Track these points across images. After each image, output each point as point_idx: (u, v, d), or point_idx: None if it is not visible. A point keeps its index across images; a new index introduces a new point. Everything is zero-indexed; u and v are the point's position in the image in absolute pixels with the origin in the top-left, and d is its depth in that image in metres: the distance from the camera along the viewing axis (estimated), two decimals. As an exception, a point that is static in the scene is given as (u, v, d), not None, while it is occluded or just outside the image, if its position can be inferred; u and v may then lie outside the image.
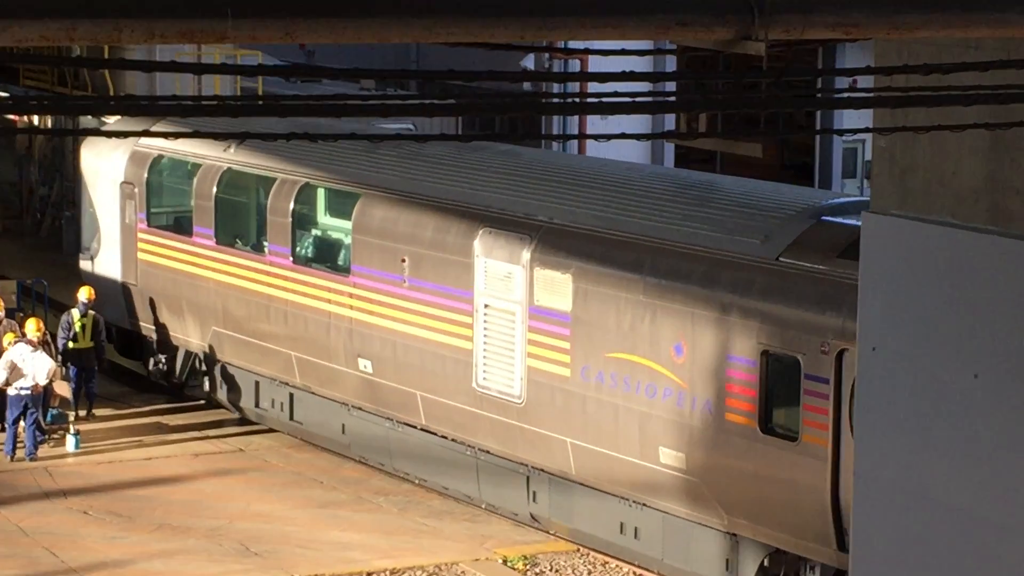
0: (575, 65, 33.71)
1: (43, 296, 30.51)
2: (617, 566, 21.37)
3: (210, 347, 27.26)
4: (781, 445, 19.34)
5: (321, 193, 26.03)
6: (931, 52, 12.03)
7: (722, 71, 31.37)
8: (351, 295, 24.66)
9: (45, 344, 25.83)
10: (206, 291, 27.25)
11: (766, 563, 19.89)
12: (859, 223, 19.16)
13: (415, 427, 24.09)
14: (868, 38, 9.34)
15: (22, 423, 25.13)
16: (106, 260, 29.43)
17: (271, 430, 26.72)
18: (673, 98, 12.36)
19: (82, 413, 27.11)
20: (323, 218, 26.06)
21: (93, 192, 29.90)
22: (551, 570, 21.17)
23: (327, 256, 25.68)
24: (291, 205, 25.72)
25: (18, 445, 25.19)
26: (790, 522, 19.37)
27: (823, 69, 37.46)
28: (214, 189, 27.12)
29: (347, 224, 24.93)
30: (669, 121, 37.48)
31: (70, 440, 25.76)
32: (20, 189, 44.62)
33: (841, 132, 36.68)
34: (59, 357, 26.56)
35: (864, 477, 14.29)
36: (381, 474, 24.65)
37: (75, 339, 27.21)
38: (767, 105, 8.36)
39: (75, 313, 27.35)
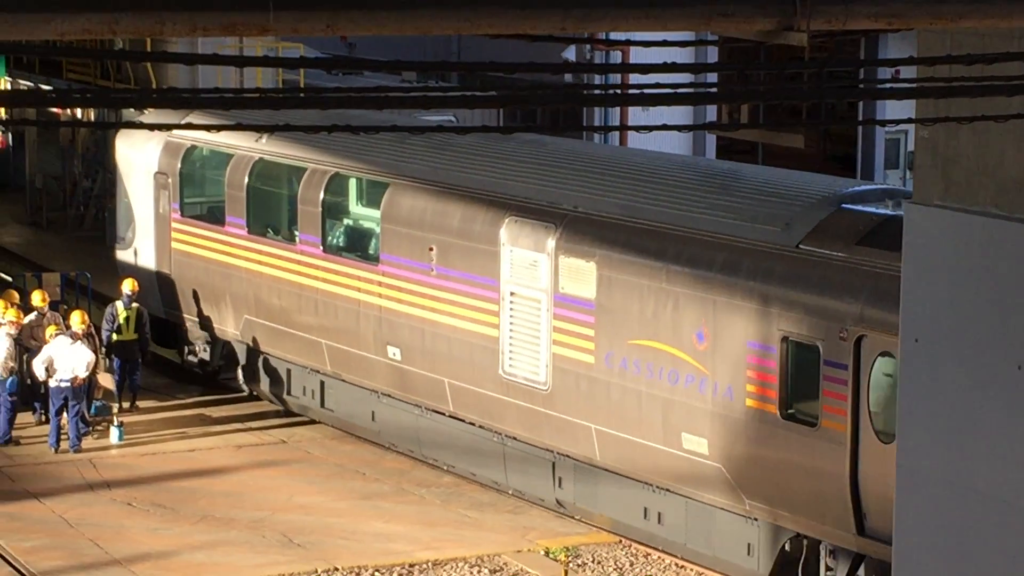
0: (616, 56, 33.69)
1: (87, 288, 30.62)
2: (659, 558, 21.37)
3: (243, 335, 27.48)
4: (801, 431, 19.51)
5: (351, 183, 26.25)
6: (974, 42, 12.00)
7: (764, 62, 31.31)
8: (380, 283, 24.86)
9: (89, 336, 25.88)
10: (238, 280, 27.51)
11: (787, 547, 20.08)
12: (879, 210, 19.73)
13: (443, 414, 24.29)
14: (910, 28, 9.32)
15: (65, 415, 25.26)
16: (141, 249, 29.72)
17: (313, 421, 26.79)
18: (715, 89, 12.33)
19: (126, 405, 27.19)
20: (353, 207, 26.29)
21: (128, 183, 30.17)
22: (593, 561, 21.17)
23: (357, 245, 25.93)
24: (321, 195, 25.95)
25: (62, 437, 25.31)
26: (810, 507, 19.53)
27: (865, 60, 37.34)
28: (246, 179, 27.31)
29: (376, 213, 25.09)
30: (711, 112, 37.52)
31: (114, 432, 25.86)
32: (64, 182, 44.85)
33: (884, 123, 36.53)
34: (103, 349, 26.67)
35: (906, 469, 14.26)
36: (423, 466, 24.69)
37: (119, 331, 27.33)
38: (809, 96, 8.35)
39: (119, 305, 27.47)
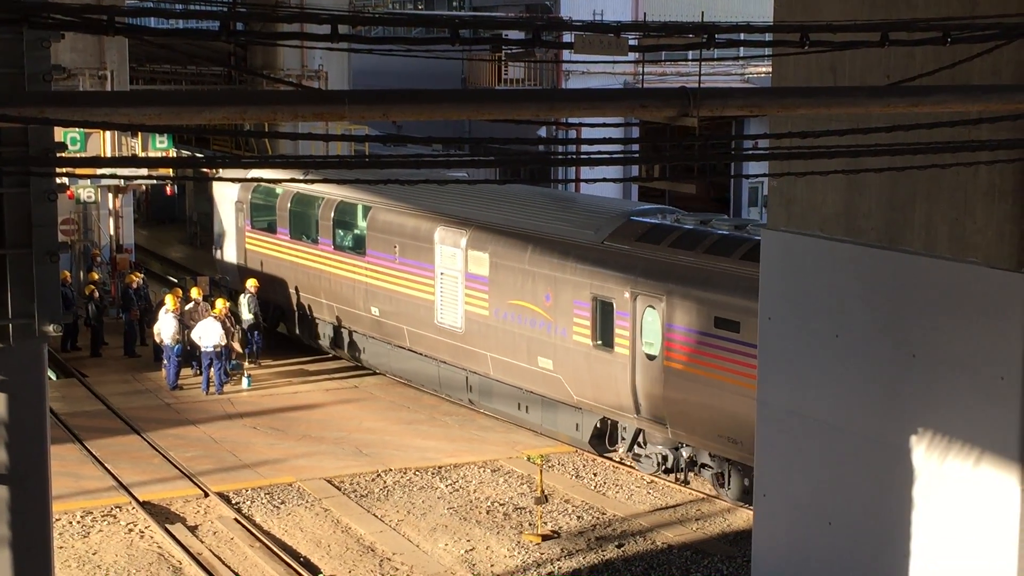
0: (573, 133, 33.66)
1: (226, 286, 30.58)
2: (601, 461, 21.35)
3: (288, 301, 28.48)
4: (604, 354, 20.43)
5: (350, 206, 26.86)
6: (806, 123, 12.02)
7: (669, 137, 31.28)
8: (367, 268, 25.81)
9: (228, 318, 25.94)
10: (285, 267, 28.52)
11: (598, 425, 21.26)
12: (651, 220, 21.22)
13: (404, 348, 25.23)
14: (765, 114, 9.32)
15: (212, 370, 25.25)
16: (228, 250, 30.81)
17: (375, 372, 26.78)
18: (637, 154, 12.36)
19: (252, 364, 27.19)
20: (351, 221, 26.85)
21: (220, 208, 31.39)
22: (559, 464, 21.18)
23: (353, 245, 26.61)
24: (332, 214, 27.00)
25: (211, 384, 25.30)
26: (610, 399, 20.49)
27: (736, 135, 37.32)
28: (288, 204, 28.39)
29: (364, 225, 26.03)
30: (635, 170, 37.46)
31: (244, 381, 25.84)
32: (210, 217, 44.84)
33: (748, 176, 36.52)
34: (237, 326, 26.67)
35: (764, 404, 14.28)
36: (447, 403, 24.67)
37: (245, 314, 27.35)
38: (698, 158, 8.35)
39: (245, 296, 27.50)
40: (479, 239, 22.90)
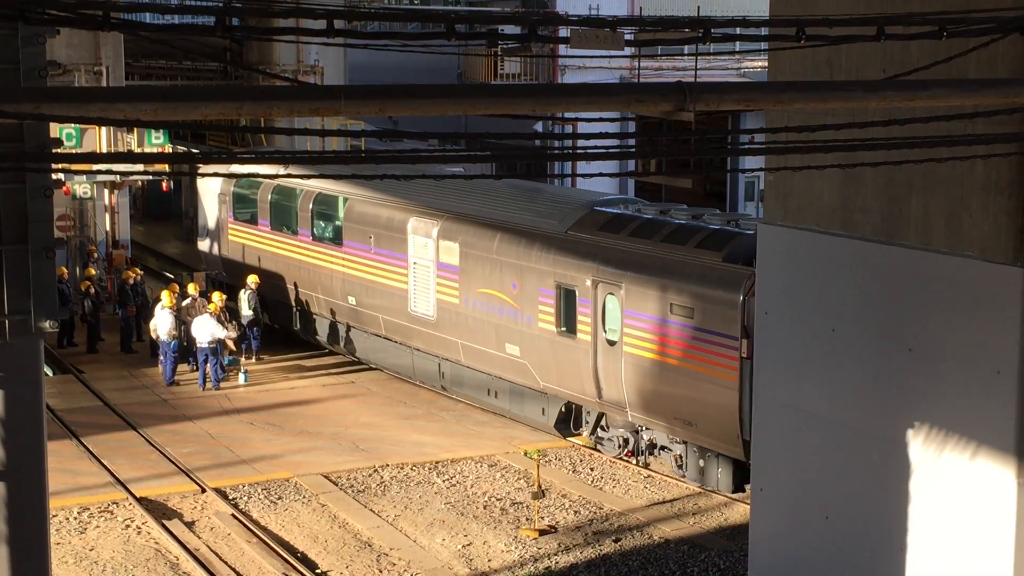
0: (569, 128, 33.63)
1: (223, 282, 30.58)
2: (598, 456, 21.36)
3: (269, 292, 28.60)
4: (568, 340, 20.87)
5: (327, 198, 27.12)
6: (803, 117, 12.01)
7: (665, 131, 31.30)
8: (344, 258, 26.15)
9: (223, 312, 25.96)
10: (266, 258, 28.83)
11: (563, 409, 21.76)
12: (613, 210, 21.73)
13: (380, 336, 25.56)
14: (761, 109, 9.32)
15: (208, 365, 25.24)
16: (211, 242, 31.26)
17: (372, 368, 26.78)
18: (633, 149, 12.34)
19: (250, 359, 27.17)
20: (328, 213, 27.17)
21: (204, 200, 31.81)
22: (556, 459, 21.19)
23: (331, 236, 26.95)
24: (311, 206, 27.34)
25: (207, 379, 25.28)
26: (574, 384, 20.95)
27: (732, 129, 37.33)
28: (269, 196, 28.66)
29: (341, 216, 26.31)
30: (631, 164, 37.49)
31: (241, 376, 25.84)
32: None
33: (744, 171, 36.53)
34: (233, 322, 26.65)
35: (761, 398, 14.28)
36: (444, 398, 24.68)
37: (244, 309, 27.33)
38: (695, 153, 8.36)
39: (245, 292, 27.47)
40: (450, 229, 23.32)
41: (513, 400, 22.62)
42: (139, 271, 29.82)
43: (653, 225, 20.24)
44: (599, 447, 21.23)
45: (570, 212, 21.69)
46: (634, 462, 20.68)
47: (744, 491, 18.75)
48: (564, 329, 20.84)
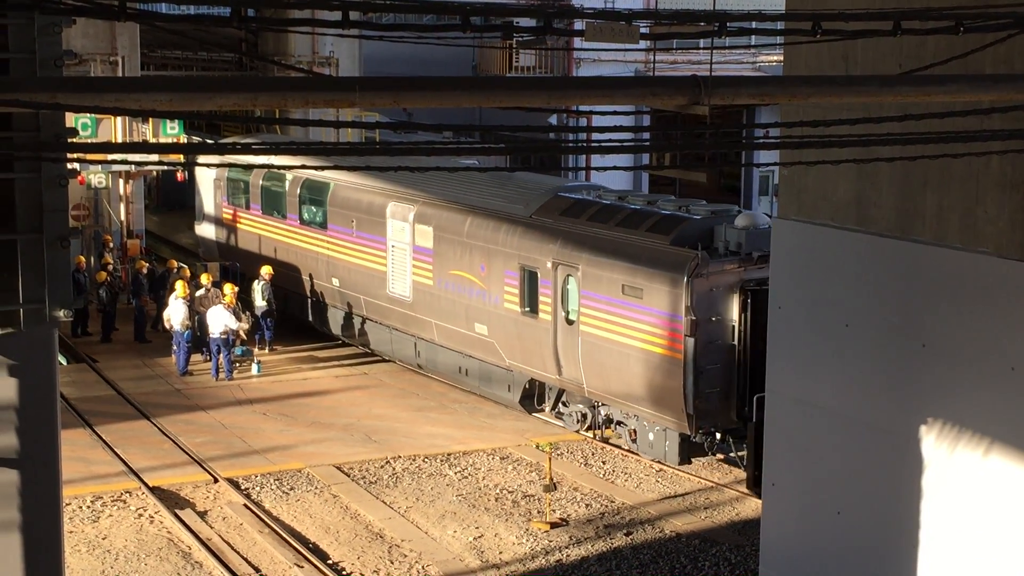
0: (583, 121, 33.58)
1: (236, 272, 30.61)
2: (610, 450, 21.36)
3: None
4: (531, 319, 21.75)
5: (314, 184, 27.83)
6: (818, 112, 11.99)
7: (680, 125, 31.22)
8: (328, 241, 26.98)
9: (238, 304, 25.99)
10: (257, 242, 29.66)
11: (527, 385, 22.61)
12: (575, 195, 22.62)
13: (360, 316, 26.44)
14: (776, 103, 9.30)
15: (221, 356, 25.29)
16: (207, 226, 32.12)
17: (385, 360, 26.81)
18: (648, 142, 12.35)
19: (264, 350, 27.22)
20: (315, 198, 27.90)
21: (201, 185, 32.66)
22: (568, 452, 21.19)
23: (316, 220, 27.73)
24: (298, 191, 28.01)
25: (220, 370, 25.33)
26: (536, 361, 21.83)
27: (747, 123, 37.23)
28: (260, 182, 29.48)
29: (326, 201, 27.03)
30: (645, 158, 37.33)
31: (254, 367, 25.88)
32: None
33: (759, 165, 36.38)
34: (247, 313, 26.71)
35: (773, 392, 14.27)
36: (456, 390, 24.69)
37: (258, 300, 27.37)
38: (709, 147, 8.35)
39: (259, 283, 27.51)
40: (425, 213, 24.25)
41: (482, 377, 23.57)
42: (145, 264, 29.80)
43: (610, 210, 21.30)
44: (561, 422, 22.28)
45: (535, 197, 22.71)
46: (591, 436, 21.63)
47: (690, 463, 20.12)
48: (527, 309, 21.81)
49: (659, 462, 20.32)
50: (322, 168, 7.98)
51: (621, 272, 20.00)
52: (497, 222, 22.59)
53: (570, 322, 20.90)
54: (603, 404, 21.16)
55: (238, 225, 30.59)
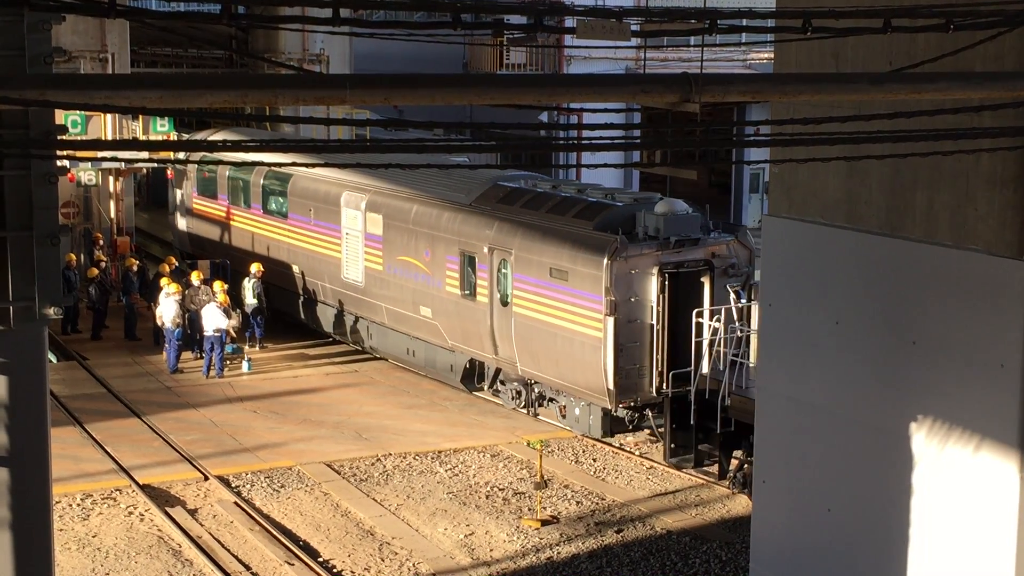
0: (574, 118, 33.57)
1: (227, 270, 30.55)
2: (600, 447, 21.37)
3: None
4: (469, 301, 22.96)
5: (276, 175, 28.93)
6: (808, 109, 12.00)
7: (670, 122, 31.20)
8: (289, 230, 28.36)
9: (227, 302, 25.98)
10: (225, 231, 31.02)
11: (467, 365, 23.72)
12: (513, 184, 23.63)
13: (319, 301, 27.74)
14: (767, 100, 9.31)
15: (212, 354, 25.26)
16: (180, 217, 33.39)
17: (377, 358, 26.82)
18: (639, 140, 12.34)
19: (254, 347, 27.21)
20: (276, 189, 29.09)
21: (173, 178, 33.64)
22: (558, 450, 21.20)
23: (278, 209, 28.99)
24: (262, 181, 29.34)
25: (211, 368, 25.30)
26: (475, 342, 23.08)
27: (737, 121, 37.26)
28: (227, 172, 30.63)
29: (286, 191, 28.33)
30: (636, 155, 37.39)
31: (244, 364, 25.87)
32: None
33: (749, 163, 36.47)
34: (237, 311, 26.68)
35: (763, 389, 14.28)
36: (447, 387, 24.70)
37: (247, 298, 27.34)
38: (700, 144, 8.35)
39: (249, 280, 27.47)
40: (376, 202, 25.47)
41: (427, 357, 24.78)
42: (135, 261, 29.74)
43: (542, 198, 22.54)
44: (498, 398, 23.45)
45: (476, 186, 23.85)
46: (527, 412, 22.80)
47: (612, 436, 21.35)
48: (467, 292, 23.02)
49: (588, 436, 21.46)
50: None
51: (549, 256, 21.26)
52: (440, 210, 23.81)
53: (504, 304, 22.16)
54: (536, 382, 22.30)
55: (207, 215, 31.82)
